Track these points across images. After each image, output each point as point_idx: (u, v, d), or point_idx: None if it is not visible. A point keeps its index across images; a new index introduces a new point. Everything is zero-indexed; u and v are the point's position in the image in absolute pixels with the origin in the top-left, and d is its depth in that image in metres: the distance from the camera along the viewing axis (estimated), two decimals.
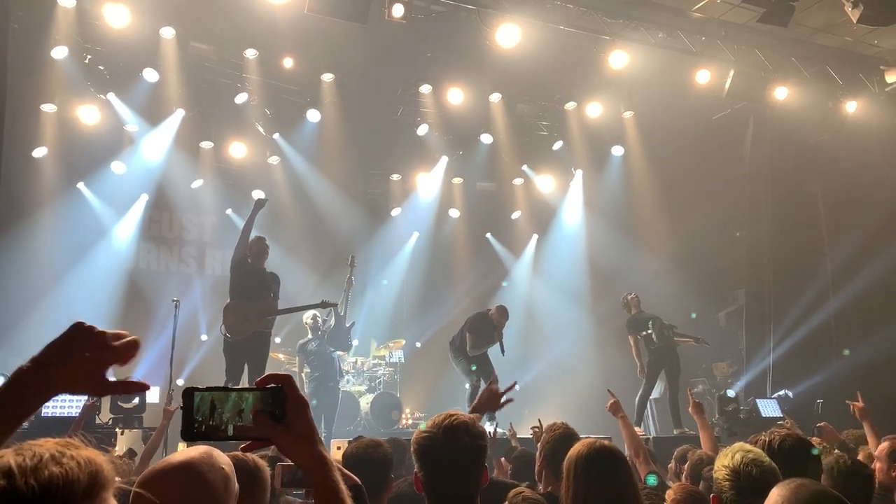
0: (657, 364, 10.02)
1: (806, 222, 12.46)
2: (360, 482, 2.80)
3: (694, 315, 11.27)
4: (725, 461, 2.55)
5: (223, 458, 1.86)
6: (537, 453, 3.76)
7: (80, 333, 1.32)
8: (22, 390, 1.23)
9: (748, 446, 2.65)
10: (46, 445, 1.03)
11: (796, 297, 11.99)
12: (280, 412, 1.36)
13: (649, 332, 9.96)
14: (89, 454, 1.05)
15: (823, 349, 11.98)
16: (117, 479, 1.11)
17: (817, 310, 12.06)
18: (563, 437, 3.70)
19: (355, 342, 10.72)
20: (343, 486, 1.42)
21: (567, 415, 11.08)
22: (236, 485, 1.89)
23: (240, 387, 1.38)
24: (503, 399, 3.37)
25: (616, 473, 2.72)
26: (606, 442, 2.86)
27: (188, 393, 1.33)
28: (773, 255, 12.39)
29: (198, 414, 1.32)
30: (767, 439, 2.85)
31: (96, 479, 1.03)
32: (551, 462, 3.56)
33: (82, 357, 1.29)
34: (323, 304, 8.64)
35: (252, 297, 8.01)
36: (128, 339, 1.34)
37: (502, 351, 9.22)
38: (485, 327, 9.17)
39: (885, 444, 3.60)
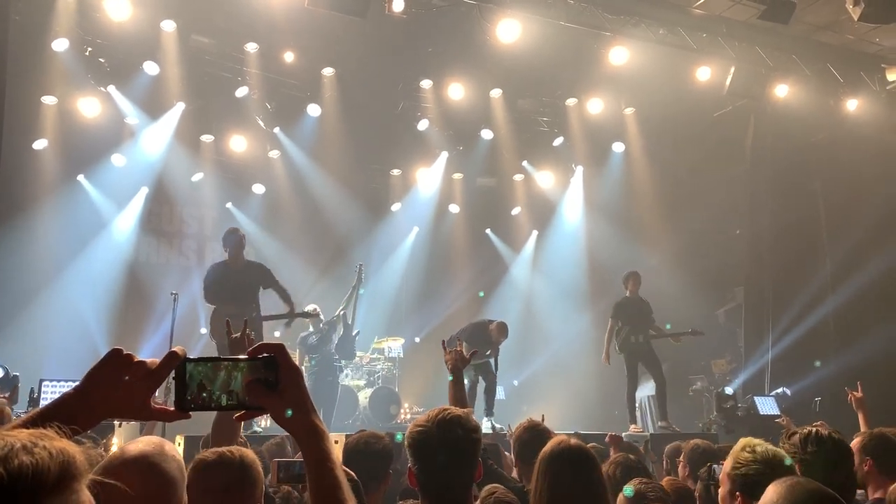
0: (629, 359, 9.88)
1: (806, 220, 12.45)
2: (356, 477, 2.81)
3: (668, 325, 11.05)
4: (749, 455, 2.51)
5: (174, 450, 1.88)
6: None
7: (118, 360, 1.33)
8: (67, 419, 1.20)
9: (756, 440, 2.63)
10: (20, 436, 1.02)
11: (795, 295, 11.99)
12: (273, 381, 1.35)
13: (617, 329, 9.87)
14: (62, 445, 1.04)
15: (822, 347, 11.98)
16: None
17: (816, 307, 12.06)
18: (528, 429, 3.72)
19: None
20: (335, 457, 1.39)
21: (565, 411, 11.16)
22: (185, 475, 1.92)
23: (231, 356, 1.36)
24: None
25: (582, 472, 2.70)
26: (574, 441, 2.83)
27: (180, 364, 1.32)
28: (773, 253, 12.39)
29: (189, 389, 1.31)
30: (814, 431, 2.86)
31: (67, 469, 1.02)
32: (522, 456, 3.58)
33: (125, 383, 1.32)
34: (305, 315, 8.68)
35: (234, 300, 8.00)
36: (166, 354, 1.35)
37: (495, 368, 9.14)
38: (480, 340, 8.81)
39: (856, 440, 3.60)
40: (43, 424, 1.12)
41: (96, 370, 1.32)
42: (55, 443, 1.03)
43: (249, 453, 2.38)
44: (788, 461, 2.54)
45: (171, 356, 1.34)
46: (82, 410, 1.30)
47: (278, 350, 1.38)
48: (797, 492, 1.95)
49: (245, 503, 2.27)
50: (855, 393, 5.54)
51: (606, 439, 5.87)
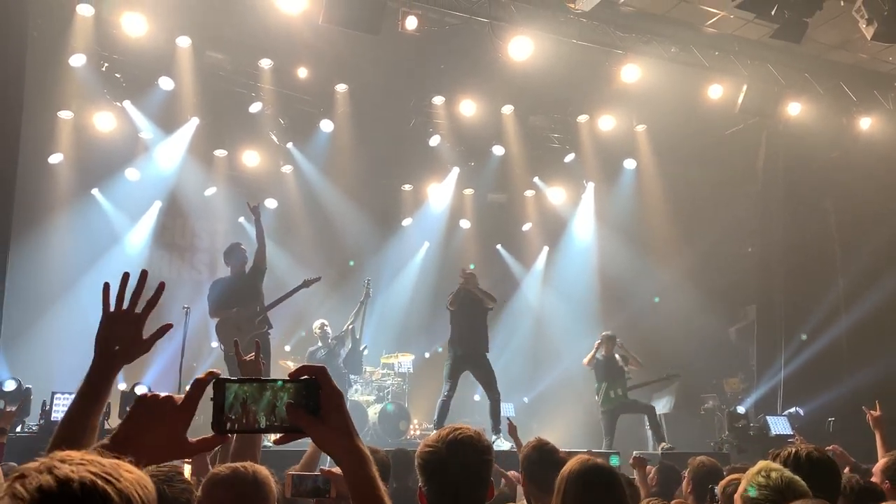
0: (611, 415, 10.13)
1: (818, 239, 12.39)
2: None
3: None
4: (762, 481, 2.49)
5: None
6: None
7: (145, 406, 1.38)
8: None
9: (773, 464, 2.61)
10: (97, 462, 1.03)
11: (808, 314, 11.92)
12: (314, 404, 1.32)
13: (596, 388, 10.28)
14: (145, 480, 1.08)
15: (835, 366, 11.87)
16: None
17: (829, 327, 11.98)
18: (537, 448, 3.69)
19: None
20: (380, 482, 1.37)
21: (576, 429, 11.08)
22: None
23: (272, 378, 1.34)
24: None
25: (607, 493, 2.66)
26: (600, 460, 2.80)
27: (219, 385, 1.29)
28: (785, 271, 12.33)
29: (231, 412, 1.28)
30: (793, 451, 2.82)
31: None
32: (530, 475, 3.55)
33: (157, 427, 1.36)
34: (305, 284, 8.55)
35: (235, 305, 8.06)
36: (192, 383, 1.39)
37: (490, 299, 8.96)
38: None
39: (882, 461, 3.57)
40: None
41: (128, 421, 1.37)
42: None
43: (263, 469, 2.38)
44: (802, 489, 2.49)
45: (197, 384, 1.38)
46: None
47: (320, 372, 1.35)
48: None
49: None
50: (872, 412, 5.48)
51: (630, 462, 5.84)
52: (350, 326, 10.41)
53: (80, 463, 1.01)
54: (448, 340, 9.15)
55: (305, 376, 1.34)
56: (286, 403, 1.31)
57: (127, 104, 10.78)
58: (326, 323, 10.49)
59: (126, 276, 1.87)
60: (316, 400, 1.33)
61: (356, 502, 1.36)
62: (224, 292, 8.19)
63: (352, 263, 13.41)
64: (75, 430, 1.70)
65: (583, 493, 2.63)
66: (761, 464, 2.62)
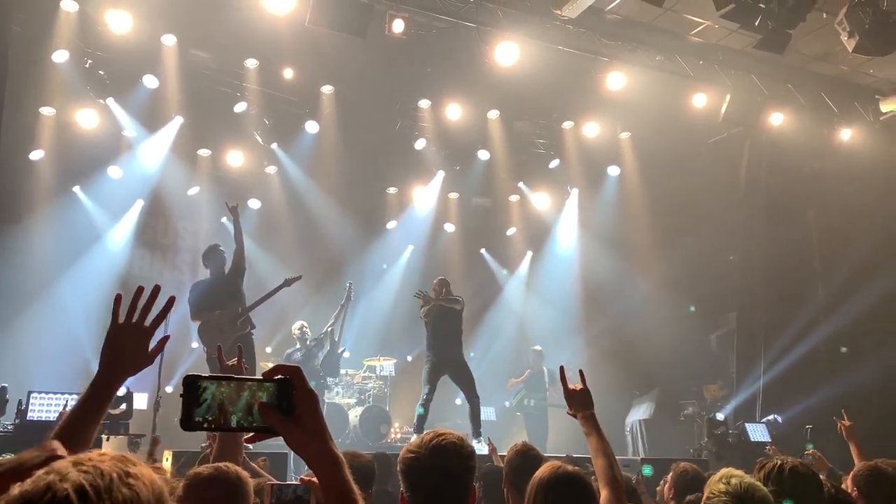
0: (526, 419, 11.43)
1: (799, 247, 12.52)
2: None
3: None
4: (722, 486, 2.53)
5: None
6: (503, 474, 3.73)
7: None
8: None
9: (737, 471, 2.64)
10: (106, 464, 1.00)
11: (788, 322, 12.02)
12: (287, 405, 1.31)
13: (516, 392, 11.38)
14: (151, 476, 1.04)
15: (814, 374, 11.98)
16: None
17: (808, 335, 12.09)
18: (521, 453, 3.69)
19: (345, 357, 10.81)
20: (354, 487, 1.35)
21: (558, 434, 11.08)
22: None
23: (245, 377, 1.32)
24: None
25: (577, 501, 2.66)
26: (570, 467, 2.78)
27: (191, 382, 1.27)
28: (766, 280, 12.44)
29: (207, 412, 1.26)
30: (777, 464, 2.84)
31: (161, 501, 1.02)
32: (513, 480, 3.54)
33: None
34: (286, 283, 8.53)
35: (217, 308, 8.02)
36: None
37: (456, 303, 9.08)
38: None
39: (854, 469, 3.61)
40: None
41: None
42: (144, 470, 1.03)
43: (243, 471, 2.40)
44: (761, 494, 2.52)
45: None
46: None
47: (294, 373, 1.34)
48: None
49: None
50: (843, 422, 5.53)
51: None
52: (329, 329, 10.39)
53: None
54: (426, 345, 9.18)
55: (280, 376, 1.33)
56: (259, 403, 1.29)
57: (110, 101, 10.69)
58: (306, 325, 10.47)
59: (140, 289, 1.90)
60: (290, 400, 1.31)
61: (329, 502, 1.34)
62: (204, 294, 8.15)
63: (385, 266, 13.58)
64: (71, 438, 1.68)
65: (552, 500, 2.62)
66: (724, 471, 2.65)
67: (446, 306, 9.02)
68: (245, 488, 2.37)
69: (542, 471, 2.73)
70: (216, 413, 1.27)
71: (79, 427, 1.73)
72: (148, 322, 1.86)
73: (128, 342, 1.81)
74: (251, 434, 1.33)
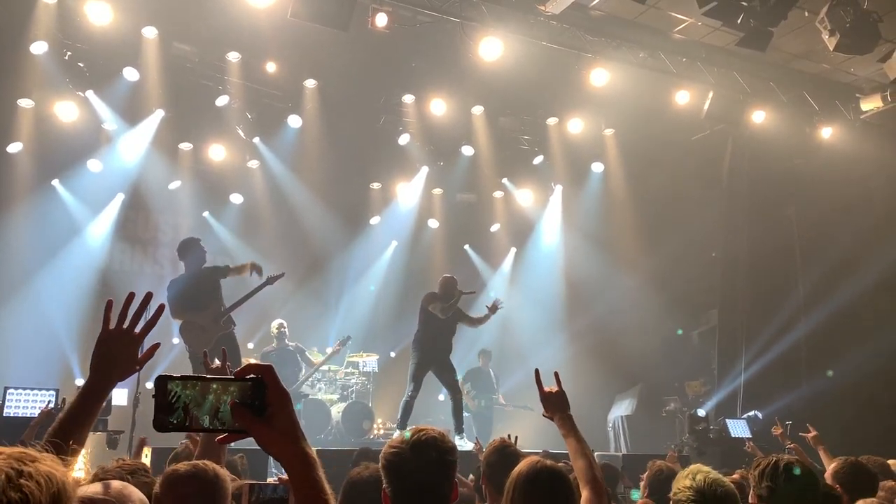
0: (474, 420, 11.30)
1: (780, 244, 12.62)
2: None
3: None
4: (687, 482, 2.57)
5: (136, 496, 1.74)
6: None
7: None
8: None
9: (705, 467, 2.67)
10: (7, 460, 0.97)
11: (769, 319, 12.13)
12: (260, 404, 1.29)
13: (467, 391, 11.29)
14: (48, 470, 1.00)
15: (794, 371, 12.11)
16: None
17: (789, 332, 12.20)
18: (499, 450, 3.68)
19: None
20: (326, 487, 1.33)
21: (539, 430, 11.13)
22: None
23: (217, 377, 1.30)
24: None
25: (556, 496, 2.65)
26: (550, 462, 2.78)
27: (161, 382, 1.26)
28: (747, 277, 12.53)
29: (172, 414, 1.26)
30: (773, 461, 2.86)
31: (58, 499, 0.98)
32: (490, 477, 3.54)
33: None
34: (269, 281, 8.34)
35: (199, 307, 7.95)
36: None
37: (474, 322, 9.15)
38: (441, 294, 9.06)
39: (832, 466, 3.66)
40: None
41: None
42: (41, 467, 0.99)
43: (222, 470, 2.39)
44: (724, 490, 2.55)
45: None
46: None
47: (266, 371, 1.31)
48: None
49: None
50: (808, 435, 5.67)
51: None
52: (318, 367, 10.38)
53: None
54: (414, 340, 9.14)
55: (252, 375, 1.31)
56: (231, 402, 1.27)
57: (90, 94, 10.56)
58: (285, 324, 10.42)
59: (131, 295, 1.96)
60: (262, 399, 1.29)
61: None
62: (184, 293, 8.03)
63: (372, 288, 13.45)
64: (65, 440, 1.76)
65: (530, 495, 2.62)
66: (691, 467, 2.69)
67: (460, 311, 9.15)
68: (223, 486, 2.36)
69: (522, 466, 2.72)
70: (188, 414, 1.26)
71: (72, 430, 1.79)
72: (138, 329, 1.90)
73: (118, 348, 1.85)
74: (224, 434, 1.31)
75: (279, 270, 8.62)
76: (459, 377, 10.95)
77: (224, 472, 2.41)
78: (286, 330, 10.36)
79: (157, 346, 1.92)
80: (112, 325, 1.88)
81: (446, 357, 9.08)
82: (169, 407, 1.25)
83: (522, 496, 2.63)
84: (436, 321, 8.95)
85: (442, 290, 9.05)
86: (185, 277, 8.25)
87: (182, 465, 2.41)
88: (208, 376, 1.30)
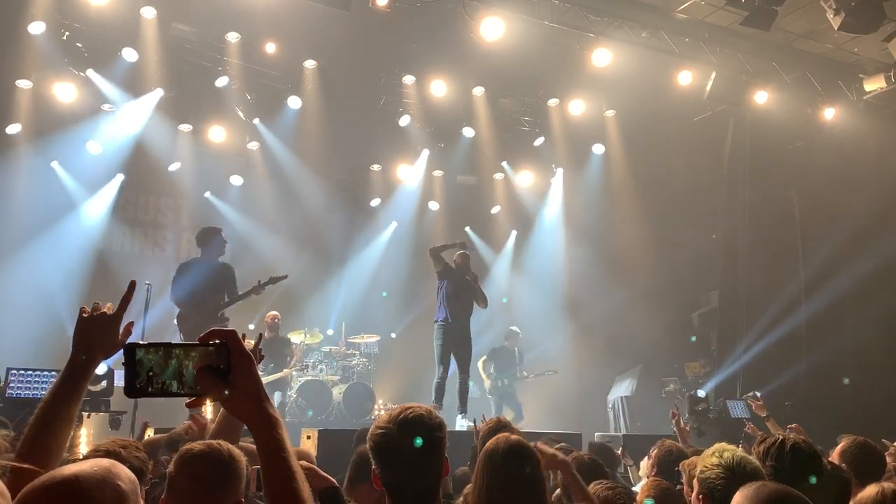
0: (497, 400, 11.42)
1: (781, 226, 12.59)
2: (336, 484, 2.77)
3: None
4: (714, 460, 2.61)
5: (124, 474, 1.67)
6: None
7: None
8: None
9: (730, 446, 2.71)
10: None
11: (769, 301, 12.12)
12: (224, 368, 1.33)
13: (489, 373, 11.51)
14: None
15: (794, 353, 12.12)
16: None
17: (790, 314, 12.20)
18: (494, 429, 3.71)
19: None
20: (288, 445, 1.37)
21: (541, 414, 11.16)
22: (139, 501, 1.73)
23: (182, 342, 1.35)
24: None
25: (520, 468, 2.68)
26: (514, 436, 2.81)
27: (129, 349, 1.31)
28: (748, 258, 12.51)
29: (140, 380, 1.30)
30: (779, 440, 2.88)
31: None
32: None
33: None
34: (271, 280, 8.15)
35: (199, 301, 7.89)
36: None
37: (482, 300, 9.06)
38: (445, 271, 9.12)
39: (840, 445, 3.67)
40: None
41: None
42: None
43: (235, 449, 2.39)
44: (752, 467, 2.59)
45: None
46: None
47: (230, 336, 1.35)
48: (762, 493, 2.06)
49: (229, 494, 2.29)
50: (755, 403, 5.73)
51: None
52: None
53: None
54: (435, 321, 9.10)
55: (216, 340, 1.35)
56: (196, 366, 1.31)
57: (90, 73, 10.47)
58: (278, 316, 10.42)
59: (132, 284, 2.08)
60: (226, 363, 1.33)
61: (263, 466, 1.36)
62: (194, 281, 7.93)
63: (385, 294, 13.38)
64: (49, 418, 1.84)
65: (495, 468, 2.64)
66: (716, 445, 2.73)
67: (473, 285, 9.06)
68: (237, 467, 2.35)
69: (489, 443, 2.76)
70: (155, 379, 1.30)
71: (58, 406, 1.85)
72: (113, 310, 1.98)
73: (95, 329, 1.91)
74: (192, 399, 1.35)
75: (282, 265, 8.58)
76: (482, 358, 11.08)
77: (238, 453, 2.41)
78: (279, 322, 10.38)
79: (131, 323, 2.00)
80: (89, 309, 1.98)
81: (466, 333, 9.10)
82: (137, 373, 1.30)
83: (485, 470, 2.67)
84: (453, 302, 8.95)
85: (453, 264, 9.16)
86: (199, 267, 8.09)
87: (197, 445, 2.41)
88: (173, 342, 1.34)
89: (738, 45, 10.65)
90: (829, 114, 11.47)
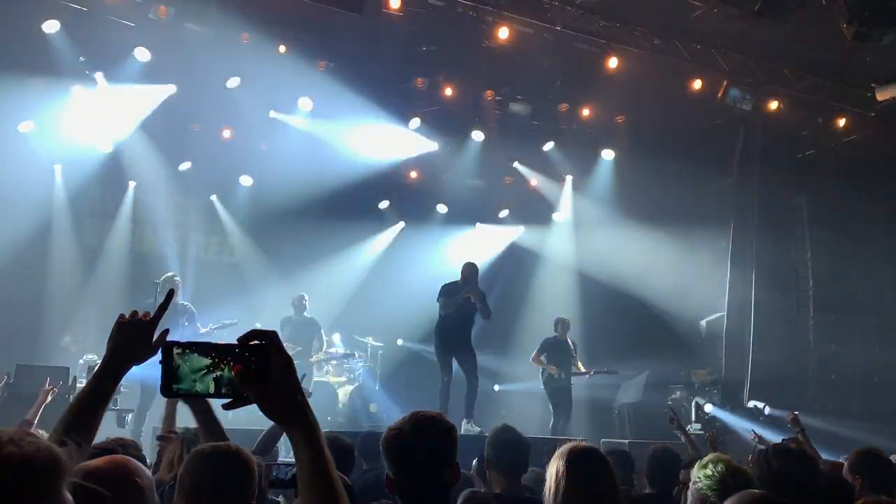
0: (552, 395, 10.41)
1: (790, 234, 12.56)
2: (349, 483, 2.78)
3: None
4: (708, 471, 2.64)
5: (141, 470, 1.77)
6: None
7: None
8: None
9: (724, 457, 2.73)
10: (6, 431, 1.05)
11: (778, 308, 12.09)
12: (263, 370, 1.29)
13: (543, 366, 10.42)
14: (47, 444, 1.07)
15: (802, 361, 12.09)
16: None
17: (798, 321, 12.17)
18: (501, 433, 3.72)
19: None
20: (327, 451, 1.33)
21: (546, 417, 11.09)
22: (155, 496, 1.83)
23: (220, 343, 1.33)
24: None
25: (600, 474, 2.69)
26: (585, 442, 2.86)
27: (167, 349, 1.30)
28: (757, 266, 12.47)
29: (178, 381, 1.30)
30: (767, 447, 2.91)
31: (53, 465, 1.04)
32: (492, 459, 3.56)
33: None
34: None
35: None
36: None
37: (485, 314, 8.81)
38: (450, 287, 8.87)
39: (850, 457, 3.67)
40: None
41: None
42: (41, 441, 1.06)
43: (246, 450, 2.39)
44: (745, 479, 2.62)
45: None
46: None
47: (270, 338, 1.32)
48: (744, 499, 2.13)
49: (240, 494, 2.29)
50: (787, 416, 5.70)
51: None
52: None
53: None
54: (436, 327, 9.05)
55: (255, 341, 1.32)
56: (234, 369, 1.29)
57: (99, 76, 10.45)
58: (306, 296, 10.38)
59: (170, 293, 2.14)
60: (266, 366, 1.30)
61: (300, 470, 1.32)
62: None
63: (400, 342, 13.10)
64: (81, 421, 1.87)
65: (577, 474, 2.64)
66: (711, 455, 2.78)
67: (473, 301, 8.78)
68: (248, 467, 2.35)
69: (563, 448, 2.75)
70: (193, 380, 1.29)
71: (87, 411, 1.89)
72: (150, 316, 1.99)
73: (131, 335, 1.93)
74: (228, 401, 1.33)
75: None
76: (534, 353, 10.48)
77: (248, 452, 2.41)
78: (307, 303, 10.33)
79: (166, 331, 1.97)
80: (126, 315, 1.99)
81: (467, 343, 8.97)
82: (175, 373, 1.29)
83: (568, 474, 2.65)
84: (452, 311, 8.89)
85: (462, 277, 8.89)
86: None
87: (207, 446, 2.41)
88: (212, 342, 1.33)
89: (751, 53, 10.63)
90: (840, 123, 11.43)
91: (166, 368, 1.29)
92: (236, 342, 1.32)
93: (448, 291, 8.84)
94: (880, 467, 3.54)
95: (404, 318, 12.40)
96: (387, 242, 13.81)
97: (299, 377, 1.34)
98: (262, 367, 1.30)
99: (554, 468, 2.68)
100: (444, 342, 8.90)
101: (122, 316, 1.97)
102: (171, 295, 2.08)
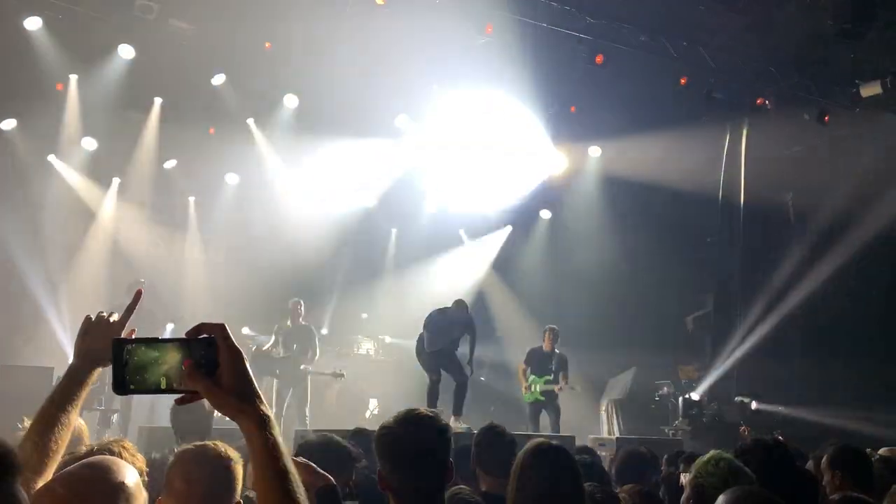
0: (531, 407, 10.12)
1: (776, 230, 12.64)
2: (333, 482, 2.75)
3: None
4: (710, 468, 2.69)
5: (127, 471, 1.72)
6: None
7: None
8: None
9: (726, 454, 2.78)
10: None
11: (763, 305, 12.16)
12: (211, 364, 1.28)
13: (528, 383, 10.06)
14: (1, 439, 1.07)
15: (788, 357, 12.17)
16: None
17: (783, 318, 12.24)
18: (487, 432, 3.72)
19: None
20: (281, 445, 1.31)
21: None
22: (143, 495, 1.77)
23: (170, 338, 1.31)
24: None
25: (562, 472, 2.69)
26: (555, 442, 2.85)
27: (117, 345, 1.29)
28: (743, 262, 12.55)
29: (128, 377, 1.28)
30: (748, 440, 2.96)
31: (4, 459, 1.04)
32: (479, 457, 3.56)
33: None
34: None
35: None
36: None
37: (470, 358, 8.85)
38: (440, 321, 8.81)
39: (828, 453, 3.69)
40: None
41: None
42: None
43: (232, 450, 2.36)
44: (746, 476, 2.66)
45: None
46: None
47: (218, 330, 1.31)
48: (738, 494, 2.15)
49: (227, 495, 2.26)
50: None
51: None
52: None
53: None
54: (419, 337, 8.98)
55: (204, 335, 1.31)
56: (183, 363, 1.28)
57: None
58: (300, 303, 10.22)
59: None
60: (214, 359, 1.29)
61: (254, 465, 1.30)
62: None
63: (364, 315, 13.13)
64: (50, 422, 1.86)
65: (537, 472, 2.64)
66: (712, 453, 2.80)
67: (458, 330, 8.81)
68: (234, 468, 2.32)
69: (528, 445, 2.78)
70: (143, 376, 1.29)
71: (57, 410, 1.88)
72: (115, 317, 1.98)
73: (100, 336, 1.91)
74: (180, 396, 1.32)
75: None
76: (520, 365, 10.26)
77: (236, 453, 2.38)
78: (302, 309, 10.19)
79: (133, 331, 1.91)
80: (93, 318, 1.97)
81: (451, 353, 8.86)
82: (125, 370, 1.28)
83: (528, 472, 2.65)
84: (433, 326, 8.82)
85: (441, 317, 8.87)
86: None
87: (192, 446, 2.39)
88: (161, 338, 1.32)
89: (738, 50, 10.67)
90: (826, 119, 11.50)
91: (117, 364, 1.28)
92: (184, 337, 1.31)
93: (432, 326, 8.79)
94: (859, 463, 3.57)
95: (394, 317, 12.39)
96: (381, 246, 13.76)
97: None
98: (210, 360, 1.28)
99: (518, 462, 2.70)
100: (428, 354, 8.83)
101: (87, 318, 1.95)
102: (138, 295, 2.00)
